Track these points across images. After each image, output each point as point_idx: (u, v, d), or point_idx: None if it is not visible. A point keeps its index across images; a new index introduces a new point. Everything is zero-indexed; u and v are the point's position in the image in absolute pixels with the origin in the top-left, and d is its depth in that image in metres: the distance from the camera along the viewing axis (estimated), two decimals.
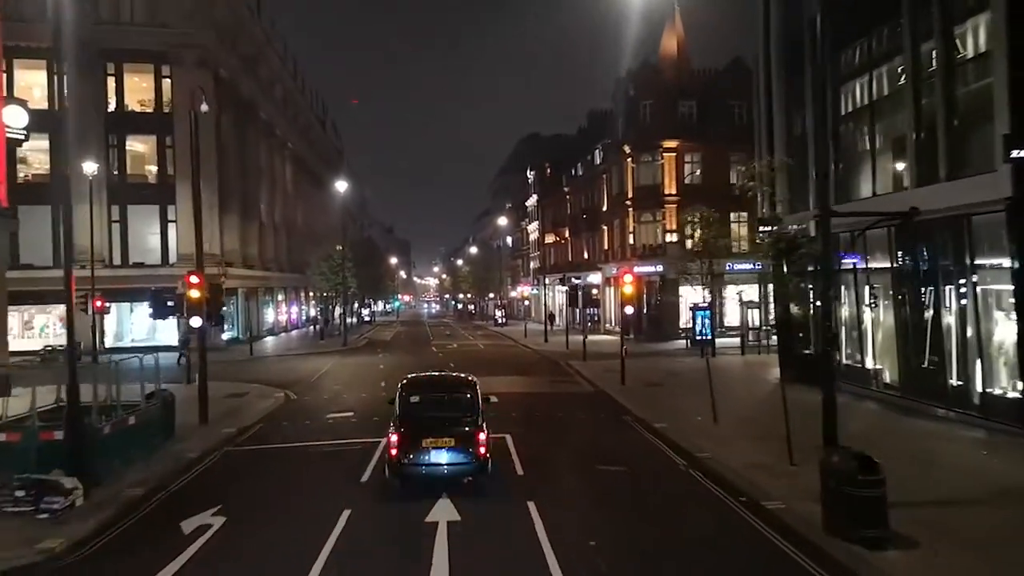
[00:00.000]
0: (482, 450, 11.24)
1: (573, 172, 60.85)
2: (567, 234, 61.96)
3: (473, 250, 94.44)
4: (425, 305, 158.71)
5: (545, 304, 53.79)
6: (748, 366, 28.53)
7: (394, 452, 11.15)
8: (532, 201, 78.78)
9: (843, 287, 20.77)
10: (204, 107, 17.75)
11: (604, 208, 50.17)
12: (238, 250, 46.07)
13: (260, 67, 52.95)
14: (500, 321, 68.41)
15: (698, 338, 37.83)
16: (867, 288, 19.62)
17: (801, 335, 23.57)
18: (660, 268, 42.32)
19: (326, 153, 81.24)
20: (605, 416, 18.77)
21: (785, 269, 21.84)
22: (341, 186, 49.13)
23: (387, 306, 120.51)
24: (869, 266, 19.48)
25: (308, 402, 21.77)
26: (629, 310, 24.46)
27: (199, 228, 19.30)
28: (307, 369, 30.55)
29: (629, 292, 22.87)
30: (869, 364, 20.05)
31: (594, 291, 50.09)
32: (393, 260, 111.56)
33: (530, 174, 79.14)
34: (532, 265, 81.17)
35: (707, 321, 38.33)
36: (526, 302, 75.79)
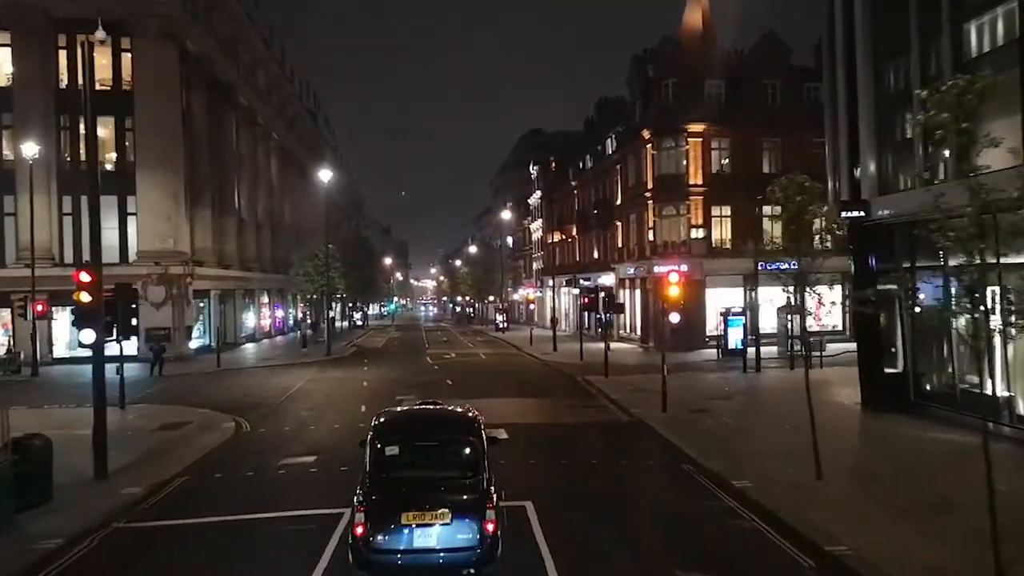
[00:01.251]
0: (490, 527, 7.73)
1: (581, 165, 56.05)
2: (574, 232, 57.15)
3: (472, 249, 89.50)
4: (422, 308, 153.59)
5: (554, 308, 48.96)
6: (800, 383, 23.67)
7: (360, 530, 7.68)
8: (535, 198, 73.99)
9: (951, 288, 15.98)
10: (100, 34, 13.06)
11: (618, 202, 45.40)
12: (211, 247, 41.22)
13: (240, 48, 48.14)
14: (501, 326, 63.60)
15: (732, 348, 33.16)
16: (996, 289, 14.83)
17: (888, 349, 18.82)
18: (685, 267, 37.44)
19: (317, 148, 76.45)
20: (656, 464, 13.93)
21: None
22: (326, 175, 44.08)
23: (383, 309, 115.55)
24: (1000, 260, 14.67)
25: (263, 437, 16.91)
26: (675, 318, 19.60)
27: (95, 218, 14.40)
28: (277, 386, 25.71)
29: (675, 295, 18.05)
30: (998, 390, 15.25)
31: (619, 295, 45.37)
32: (388, 261, 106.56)
33: (533, 169, 74.37)
34: (535, 266, 76.37)
35: (741, 329, 33.61)
36: (531, 305, 70.95)
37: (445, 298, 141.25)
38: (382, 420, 8.94)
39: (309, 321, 54.43)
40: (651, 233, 39.19)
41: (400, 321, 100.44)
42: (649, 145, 39.00)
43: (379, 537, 7.61)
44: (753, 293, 27.64)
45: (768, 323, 33.91)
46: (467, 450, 8.43)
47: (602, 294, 32.58)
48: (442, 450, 8.60)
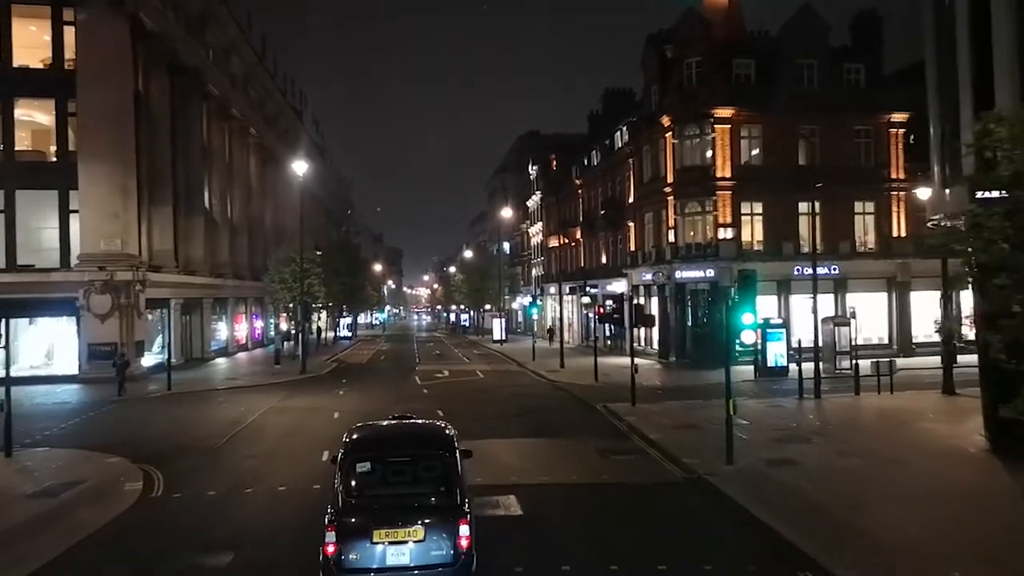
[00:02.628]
0: (464, 543, 7.68)
1: (586, 162, 51.40)
2: (579, 235, 52.42)
3: (468, 254, 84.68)
4: (416, 317, 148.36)
5: (556, 318, 44.15)
6: (887, 417, 18.91)
7: (332, 549, 7.53)
8: (535, 200, 69.28)
9: None
10: None
11: (630, 200, 40.70)
12: (171, 250, 36.31)
13: (210, 31, 43.35)
14: (500, 337, 58.75)
15: (771, 366, 28.45)
16: None
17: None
18: (711, 273, 32.77)
19: (302, 148, 71.63)
20: (762, 572, 9.06)
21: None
22: (301, 168, 39.06)
23: (375, 318, 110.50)
24: None
25: (171, 511, 11.93)
26: (750, 337, 14.72)
27: None
28: (227, 419, 20.78)
29: (748, 316, 13.17)
30: None
31: (633, 303, 40.72)
32: (378, 267, 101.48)
33: (532, 169, 69.69)
34: (534, 272, 71.63)
35: (782, 343, 28.94)
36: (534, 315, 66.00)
37: (439, 307, 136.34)
38: (354, 436, 8.81)
39: (284, 332, 49.39)
40: (671, 233, 34.47)
41: (392, 331, 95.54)
42: (669, 134, 34.30)
43: (351, 556, 7.55)
44: (808, 300, 22.79)
45: (801, 334, 29.15)
46: (440, 465, 8.32)
47: (625, 303, 27.60)
48: (415, 465, 8.44)
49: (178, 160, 38.34)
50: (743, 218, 33.41)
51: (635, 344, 40.31)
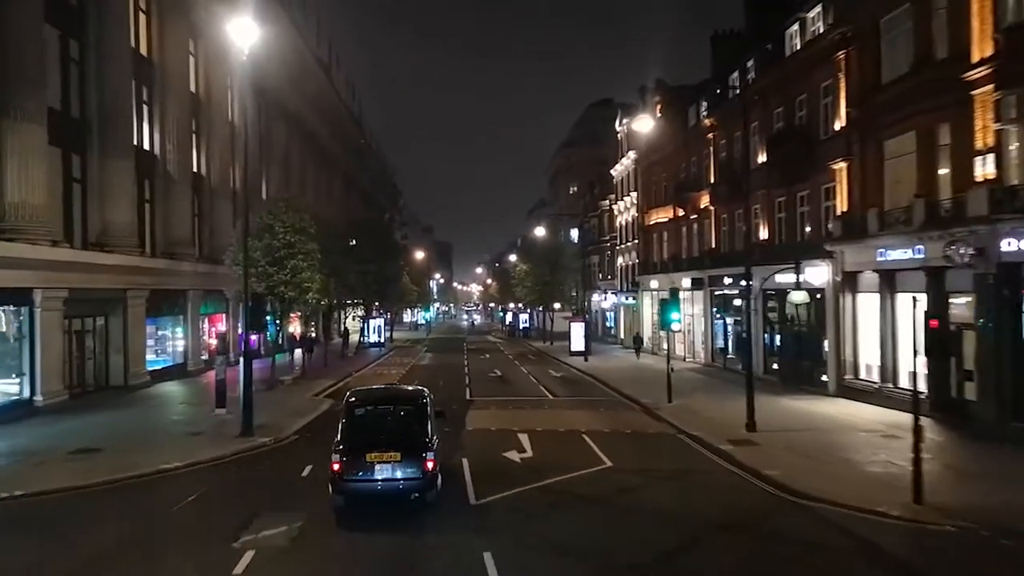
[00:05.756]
0: (429, 465, 11.09)
1: (722, 90, 34.16)
2: (705, 202, 35.50)
3: (541, 231, 66.52)
4: (466, 317, 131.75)
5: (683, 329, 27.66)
6: None
7: (337, 467, 10.96)
8: (623, 166, 52.45)
9: None
10: None
11: (837, 126, 23.66)
12: (46, 207, 20.92)
13: None
14: (579, 348, 42.35)
15: None
16: None
17: None
18: None
19: (328, 106, 56.37)
20: None
21: None
22: (241, 32, 21.51)
23: (420, 317, 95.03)
24: None
25: None
26: None
27: None
28: None
29: None
30: None
31: (841, 301, 23.56)
32: (420, 255, 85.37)
33: (620, 126, 52.86)
34: (621, 262, 54.83)
35: None
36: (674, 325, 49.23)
37: (493, 304, 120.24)
38: (353, 396, 12.46)
39: (267, 345, 33.77)
40: (986, 163, 17.20)
41: (437, 333, 79.68)
42: None
43: (350, 470, 10.93)
44: None
45: None
46: (414, 413, 11.90)
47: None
48: (395, 413, 12.10)
49: (79, 69, 23.21)
50: None
51: (846, 375, 23.26)
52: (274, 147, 43.91)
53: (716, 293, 33.98)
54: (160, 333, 29.57)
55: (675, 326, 22.41)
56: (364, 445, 10.91)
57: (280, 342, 41.31)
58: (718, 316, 34.14)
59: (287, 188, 47.05)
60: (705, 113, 35.40)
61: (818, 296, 24.58)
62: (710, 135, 34.67)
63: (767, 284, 25.48)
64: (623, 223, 54.13)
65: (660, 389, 22.69)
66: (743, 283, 26.47)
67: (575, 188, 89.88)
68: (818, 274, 24.00)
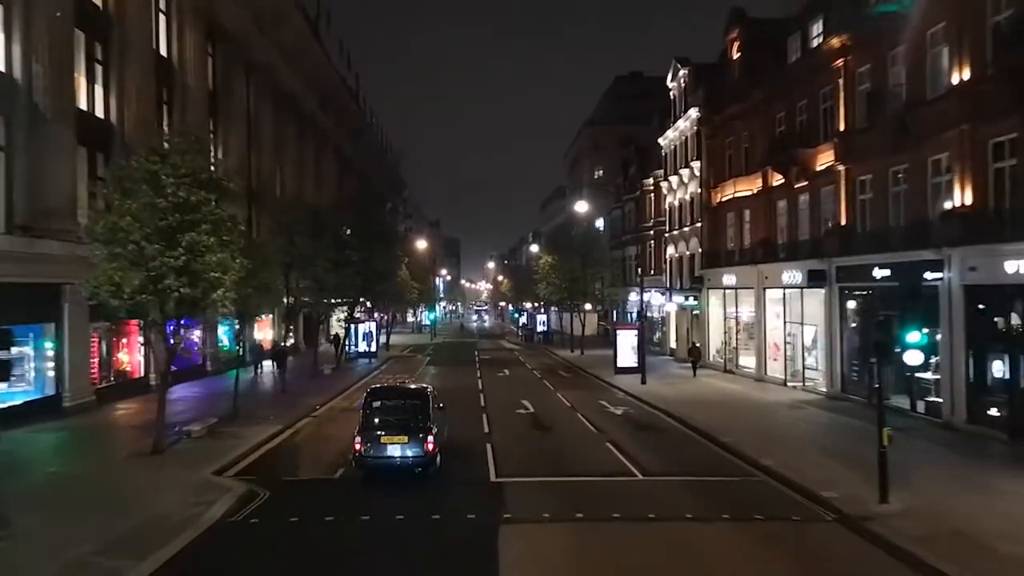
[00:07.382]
0: (429, 446, 13.78)
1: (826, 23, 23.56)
2: (830, 159, 24.76)
3: (580, 206, 54.14)
4: (475, 316, 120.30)
5: (763, 331, 17.13)
6: None
7: (358, 447, 13.74)
8: (678, 131, 41.67)
9: None
10: None
11: None
12: None
13: None
14: (629, 363, 31.89)
15: None
16: None
17: None
18: None
19: (319, 71, 45.82)
20: None
21: None
22: None
23: (426, 316, 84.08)
24: None
25: None
26: None
27: None
28: None
29: None
30: None
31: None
32: (422, 244, 74.26)
33: (674, 82, 42.05)
34: (672, 252, 44.12)
35: None
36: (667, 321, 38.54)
37: (504, 302, 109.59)
38: (371, 391, 15.20)
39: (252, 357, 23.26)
40: None
41: (443, 338, 68.98)
42: None
43: (368, 449, 13.75)
44: None
45: None
46: (419, 406, 14.66)
47: None
48: (403, 405, 14.86)
49: None
50: None
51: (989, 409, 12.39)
52: (234, 100, 33.52)
53: (852, 291, 23.28)
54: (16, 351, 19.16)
55: (914, 352, 11.84)
56: (379, 429, 13.86)
57: (242, 353, 30.94)
58: (852, 324, 23.46)
59: (259, 159, 36.94)
60: (831, 33, 24.58)
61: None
62: (840, 62, 23.84)
63: (979, 276, 15.24)
64: (675, 203, 43.42)
65: (812, 449, 12.61)
66: (927, 275, 16.50)
67: (600, 172, 79.24)
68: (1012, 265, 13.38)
